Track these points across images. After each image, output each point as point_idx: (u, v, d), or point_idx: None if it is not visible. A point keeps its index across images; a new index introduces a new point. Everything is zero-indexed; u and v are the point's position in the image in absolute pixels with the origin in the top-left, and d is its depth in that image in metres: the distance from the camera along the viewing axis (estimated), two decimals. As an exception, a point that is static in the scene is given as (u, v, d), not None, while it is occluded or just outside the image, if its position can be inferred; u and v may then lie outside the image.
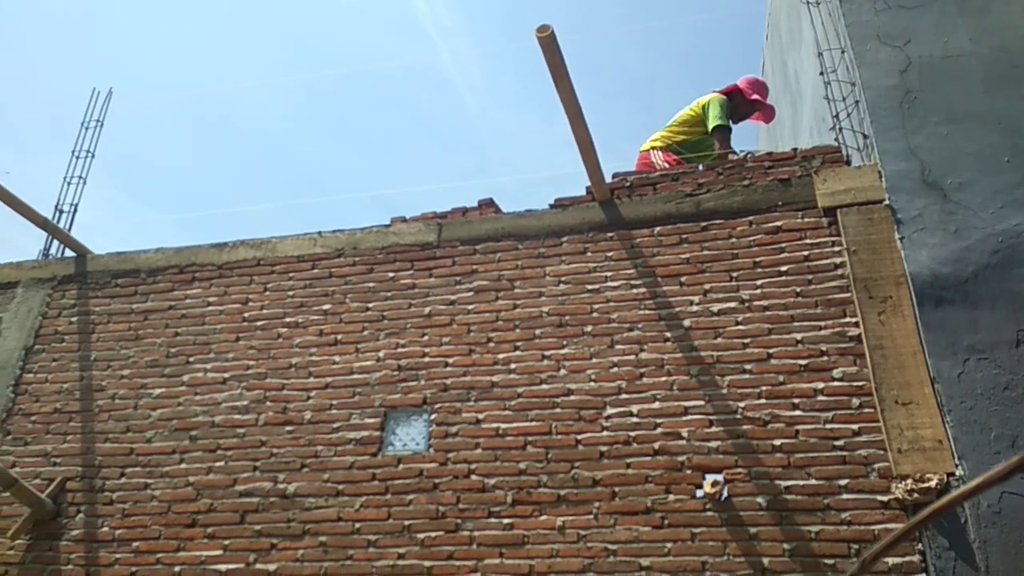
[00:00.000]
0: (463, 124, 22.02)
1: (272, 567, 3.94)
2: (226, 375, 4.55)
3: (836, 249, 4.01)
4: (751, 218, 4.23)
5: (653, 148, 5.15)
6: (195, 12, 19.94)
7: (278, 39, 20.61)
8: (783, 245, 4.11)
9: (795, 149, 4.46)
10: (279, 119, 20.77)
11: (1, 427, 4.75)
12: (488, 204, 4.86)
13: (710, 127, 5.56)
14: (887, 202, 3.94)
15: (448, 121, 21.61)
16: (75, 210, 5.65)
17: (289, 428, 4.29)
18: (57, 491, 4.43)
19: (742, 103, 5.87)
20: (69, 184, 5.74)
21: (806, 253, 4.05)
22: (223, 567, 3.99)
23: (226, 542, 4.06)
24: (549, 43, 3.62)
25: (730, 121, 5.73)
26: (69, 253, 5.41)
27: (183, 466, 4.33)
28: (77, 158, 5.84)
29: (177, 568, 4.05)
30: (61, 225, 5.54)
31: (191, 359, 4.68)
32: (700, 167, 4.71)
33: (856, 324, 3.78)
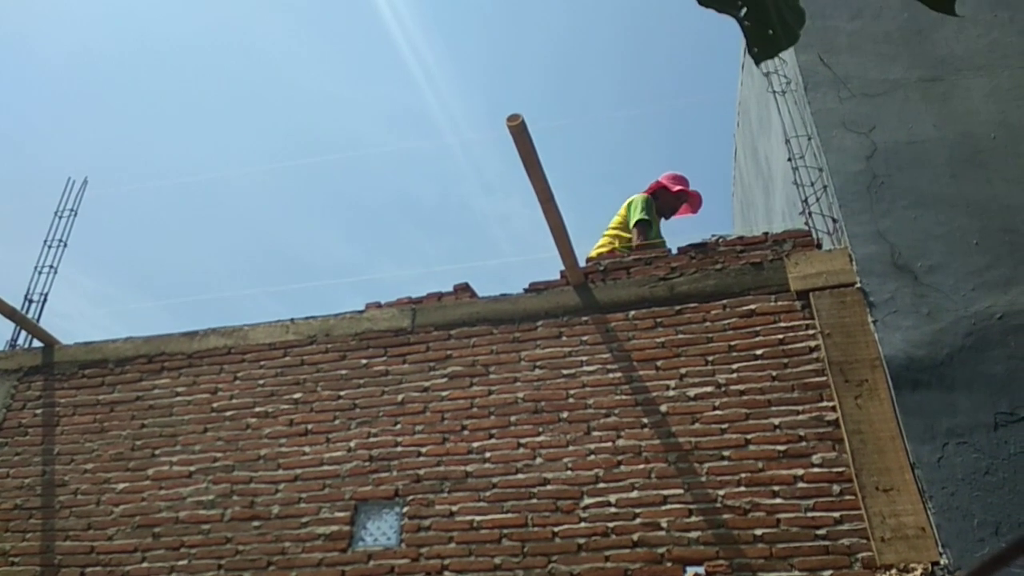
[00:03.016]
0: (448, 208, 22.27)
1: (235, 673, 3.74)
2: (192, 468, 4.42)
3: (810, 332, 3.99)
4: (725, 302, 4.23)
5: (600, 255, 5.24)
6: (179, 100, 20.26)
7: (262, 127, 20.93)
8: (757, 328, 4.09)
9: (766, 233, 4.49)
10: (264, 204, 20.92)
11: (-43, 525, 4.56)
12: (463, 289, 4.84)
13: (631, 223, 5.75)
14: (859, 285, 3.94)
15: (433, 205, 21.86)
16: (45, 299, 5.57)
17: (256, 523, 4.14)
18: (11, 593, 4.23)
19: (668, 198, 6.07)
20: (40, 273, 5.67)
21: (780, 336, 4.03)
22: (183, 674, 3.79)
23: (187, 646, 3.86)
24: (519, 131, 3.66)
25: (660, 217, 5.99)
26: (38, 343, 5.32)
27: (145, 565, 4.15)
28: (49, 247, 5.79)
29: (134, 676, 3.84)
30: (30, 315, 5.46)
31: (157, 452, 4.54)
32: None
33: (833, 408, 3.73)
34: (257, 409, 4.55)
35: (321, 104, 20.87)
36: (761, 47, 1.30)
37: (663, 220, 6.14)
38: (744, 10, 1.30)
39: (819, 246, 4.34)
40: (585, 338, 4.33)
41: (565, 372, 4.25)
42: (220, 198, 21.36)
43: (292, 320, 4.85)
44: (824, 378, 3.83)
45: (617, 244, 5.57)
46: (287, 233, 21.07)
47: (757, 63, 1.31)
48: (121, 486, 4.47)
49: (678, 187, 6.08)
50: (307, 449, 4.32)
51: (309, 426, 4.41)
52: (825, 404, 3.77)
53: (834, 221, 4.27)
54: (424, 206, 21.74)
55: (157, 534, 4.24)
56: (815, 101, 4.59)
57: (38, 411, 4.95)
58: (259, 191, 22.04)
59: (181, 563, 4.11)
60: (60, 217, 5.92)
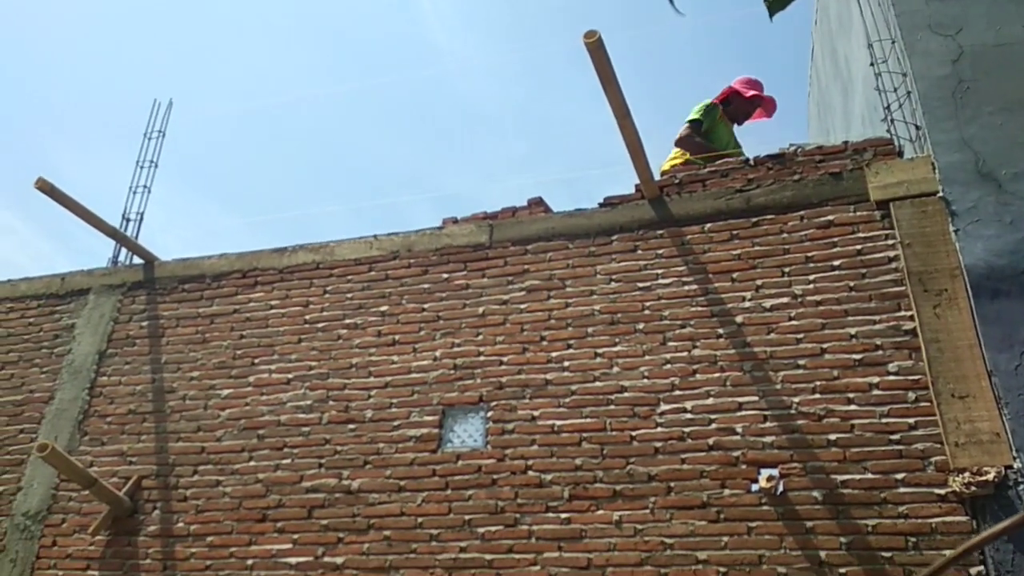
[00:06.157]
0: (516, 113, 22.13)
1: (339, 560, 4.09)
2: (290, 376, 4.72)
3: (889, 243, 4.00)
4: (802, 213, 4.24)
5: (675, 167, 5.22)
6: (257, 23, 20.31)
7: (338, 46, 20.91)
8: (835, 239, 4.11)
9: (846, 142, 4.44)
10: (342, 123, 21.11)
11: (79, 428, 5.00)
12: (537, 203, 4.93)
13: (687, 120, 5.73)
14: (941, 194, 3.91)
15: (499, 115, 21.72)
16: (141, 219, 5.89)
17: (351, 426, 4.44)
18: (134, 489, 4.65)
19: (740, 103, 6.00)
20: (135, 193, 5.98)
21: (859, 247, 4.05)
22: (293, 560, 4.17)
23: (295, 536, 4.23)
24: (596, 48, 3.68)
25: (733, 123, 6.01)
26: (137, 260, 5.64)
27: (252, 464, 4.51)
28: (141, 168, 6.08)
29: (250, 561, 4.24)
30: (128, 233, 5.78)
31: (256, 360, 4.86)
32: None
33: (911, 318, 3.77)
34: (347, 321, 4.80)
35: (391, 15, 20.69)
36: None
37: (736, 126, 6.09)
38: None
39: (901, 154, 4.29)
40: (660, 251, 4.41)
41: (641, 285, 4.35)
42: (299, 119, 21.59)
43: (375, 236, 5.04)
44: (902, 288, 3.86)
45: (690, 158, 5.56)
46: (362, 149, 21.28)
47: (771, 15, 1.33)
48: (226, 392, 4.81)
49: (751, 92, 5.99)
50: (395, 358, 4.57)
51: (396, 337, 4.64)
52: (903, 314, 3.81)
53: (917, 128, 4.20)
54: (491, 115, 21.63)
55: (261, 436, 4.58)
56: (900, 3, 4.43)
57: (143, 323, 5.30)
58: (335, 109, 22.20)
59: (285, 462, 4.45)
60: (149, 139, 6.18)
